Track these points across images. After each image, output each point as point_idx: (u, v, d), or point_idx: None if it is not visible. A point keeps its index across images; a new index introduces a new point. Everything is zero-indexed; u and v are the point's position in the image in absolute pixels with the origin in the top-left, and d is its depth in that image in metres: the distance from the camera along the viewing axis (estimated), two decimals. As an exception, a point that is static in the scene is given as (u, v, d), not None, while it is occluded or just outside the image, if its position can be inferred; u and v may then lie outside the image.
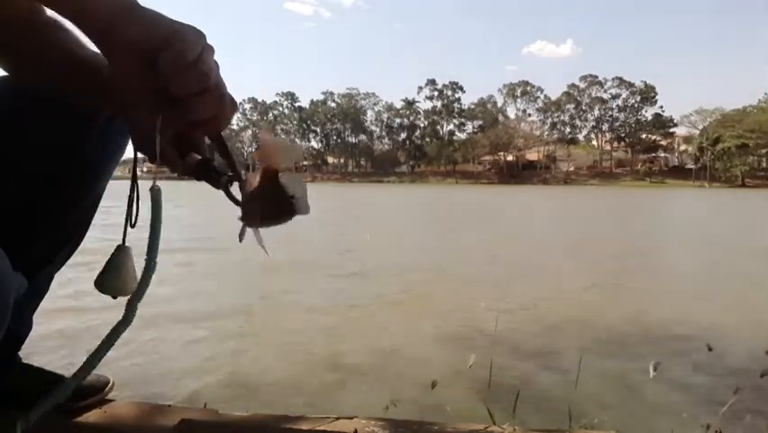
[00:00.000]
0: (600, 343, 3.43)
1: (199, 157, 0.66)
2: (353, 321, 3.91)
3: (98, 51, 0.56)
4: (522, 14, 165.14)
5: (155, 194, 0.60)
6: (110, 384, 1.16)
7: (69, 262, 1.02)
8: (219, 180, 0.65)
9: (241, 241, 0.66)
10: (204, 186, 0.69)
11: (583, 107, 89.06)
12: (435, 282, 5.57)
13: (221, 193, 0.67)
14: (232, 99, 0.58)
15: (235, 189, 0.65)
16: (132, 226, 0.70)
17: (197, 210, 15.52)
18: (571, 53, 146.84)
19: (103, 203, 1.01)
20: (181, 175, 0.67)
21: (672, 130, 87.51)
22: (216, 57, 0.58)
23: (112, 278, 0.69)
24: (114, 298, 0.69)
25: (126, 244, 0.71)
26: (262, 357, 3.07)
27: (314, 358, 3.05)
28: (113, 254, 0.70)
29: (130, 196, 0.69)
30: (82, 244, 1.01)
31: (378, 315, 4.12)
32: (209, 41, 0.56)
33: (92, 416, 1.08)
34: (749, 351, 3.18)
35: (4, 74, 0.81)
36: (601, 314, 4.23)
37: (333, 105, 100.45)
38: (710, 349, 2.09)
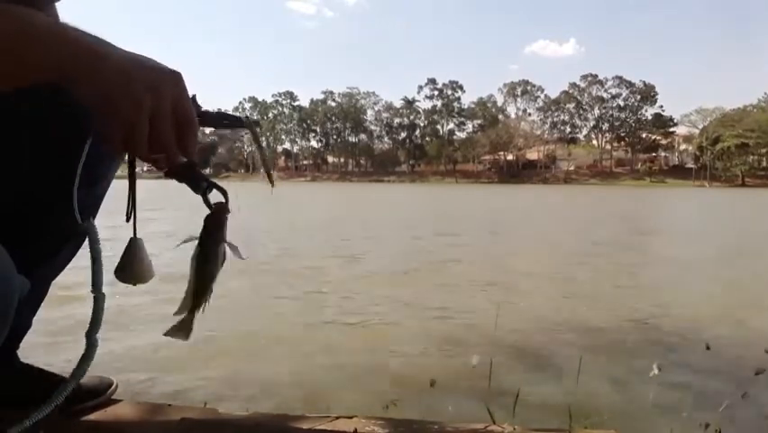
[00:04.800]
0: (600, 342, 3.43)
1: (185, 160, 0.66)
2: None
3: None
4: (523, 13, 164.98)
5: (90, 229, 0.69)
6: (113, 386, 1.15)
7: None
8: (199, 185, 0.66)
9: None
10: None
11: (584, 107, 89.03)
12: (437, 281, 5.57)
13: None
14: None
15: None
16: (128, 220, 0.77)
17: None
18: (574, 52, 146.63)
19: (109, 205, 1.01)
20: (166, 176, 0.68)
21: (672, 129, 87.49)
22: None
23: (131, 267, 0.76)
24: (134, 285, 0.77)
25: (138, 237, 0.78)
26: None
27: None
28: (127, 246, 0.77)
29: (130, 191, 0.75)
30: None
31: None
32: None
33: (92, 415, 1.07)
34: (748, 350, 3.18)
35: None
36: (601, 314, 4.23)
37: (333, 104, 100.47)
38: (708, 348, 2.09)
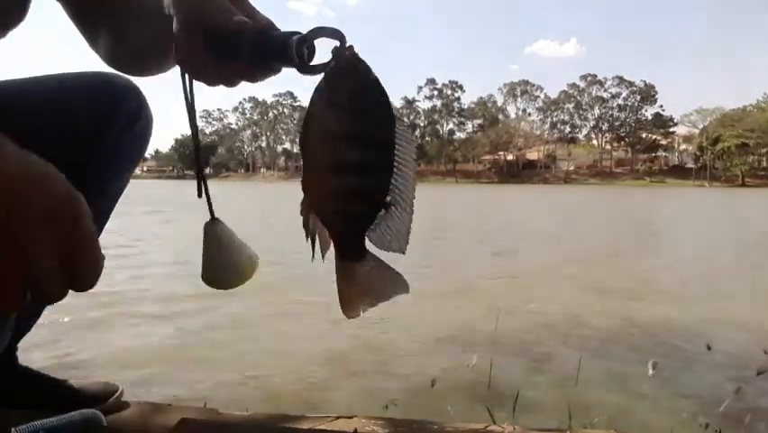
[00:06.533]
0: (600, 342, 3.43)
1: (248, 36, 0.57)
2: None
3: None
4: (524, 13, 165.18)
5: None
6: (119, 392, 1.14)
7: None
8: (287, 51, 0.51)
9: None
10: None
11: (583, 107, 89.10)
12: (435, 279, 5.57)
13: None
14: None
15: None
16: (200, 196, 0.54)
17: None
18: (574, 52, 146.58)
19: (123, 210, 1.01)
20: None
21: (672, 129, 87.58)
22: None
23: (218, 263, 0.50)
24: (233, 287, 0.52)
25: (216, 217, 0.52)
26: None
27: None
28: (206, 236, 0.50)
29: (197, 160, 0.57)
30: None
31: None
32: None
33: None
34: (748, 350, 3.18)
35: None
36: (601, 314, 4.23)
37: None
38: (709, 348, 2.09)
